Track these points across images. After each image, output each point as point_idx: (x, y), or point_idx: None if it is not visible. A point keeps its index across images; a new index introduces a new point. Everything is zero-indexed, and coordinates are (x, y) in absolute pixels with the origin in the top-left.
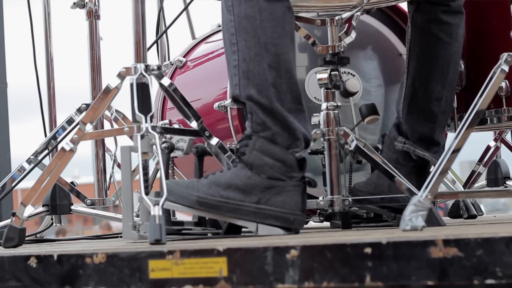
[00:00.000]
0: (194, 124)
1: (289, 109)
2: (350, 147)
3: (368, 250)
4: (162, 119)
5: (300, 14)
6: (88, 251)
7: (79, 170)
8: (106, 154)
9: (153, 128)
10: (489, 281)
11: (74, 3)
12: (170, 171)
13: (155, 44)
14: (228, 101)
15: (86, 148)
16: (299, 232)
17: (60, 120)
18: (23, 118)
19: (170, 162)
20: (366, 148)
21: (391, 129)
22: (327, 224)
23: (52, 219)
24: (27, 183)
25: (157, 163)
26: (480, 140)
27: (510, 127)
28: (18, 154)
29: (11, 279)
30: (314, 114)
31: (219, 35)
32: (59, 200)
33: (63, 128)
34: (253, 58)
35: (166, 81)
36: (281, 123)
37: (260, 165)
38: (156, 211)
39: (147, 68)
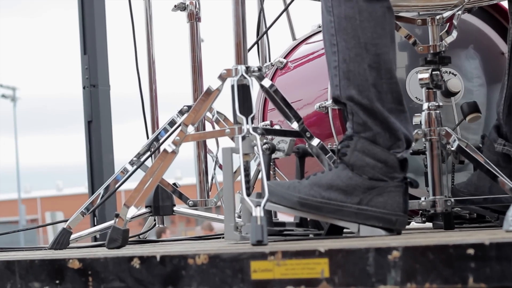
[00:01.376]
0: (295, 125)
1: (390, 110)
2: (452, 147)
3: (471, 251)
4: (263, 120)
5: (401, 14)
6: (190, 252)
7: (182, 172)
8: (208, 156)
9: (254, 129)
10: None
11: (175, 6)
12: (271, 172)
13: (256, 46)
14: (329, 101)
15: (188, 150)
16: (401, 233)
17: (162, 121)
18: (126, 120)
19: (271, 163)
20: (469, 148)
21: (491, 130)
22: (429, 225)
23: (154, 220)
24: (130, 184)
25: (259, 164)
26: None
27: None
28: (121, 155)
29: (115, 280)
30: (416, 114)
31: (320, 36)
32: (161, 201)
33: (165, 130)
34: (353, 59)
35: (267, 82)
36: (382, 123)
37: (362, 166)
38: (258, 212)
39: (248, 69)
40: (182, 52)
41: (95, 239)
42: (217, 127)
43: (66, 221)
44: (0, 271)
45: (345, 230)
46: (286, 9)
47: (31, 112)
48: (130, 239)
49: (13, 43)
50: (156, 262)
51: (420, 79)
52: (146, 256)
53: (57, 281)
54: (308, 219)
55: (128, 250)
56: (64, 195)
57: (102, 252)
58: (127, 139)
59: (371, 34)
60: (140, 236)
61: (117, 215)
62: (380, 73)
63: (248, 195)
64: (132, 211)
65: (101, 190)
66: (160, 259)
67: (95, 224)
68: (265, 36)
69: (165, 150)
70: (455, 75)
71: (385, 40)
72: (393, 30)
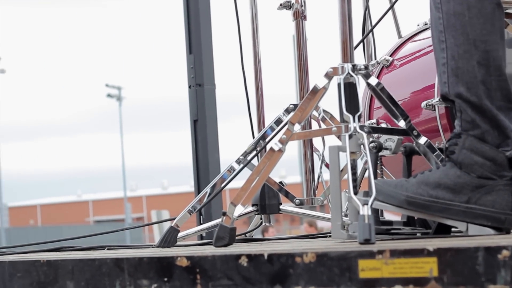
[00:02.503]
0: (402, 123)
1: (499, 107)
2: None
3: None
4: (369, 119)
5: (508, 11)
6: (298, 250)
7: (286, 170)
8: (314, 154)
9: (361, 127)
10: None
11: (281, 4)
12: (378, 171)
13: (361, 44)
14: (436, 99)
15: (293, 149)
16: (510, 232)
17: (268, 120)
18: (231, 119)
19: (378, 162)
20: None
21: None
22: None
23: (261, 218)
24: (235, 183)
25: (365, 162)
26: None
27: None
28: (226, 154)
29: (223, 278)
30: None
31: (426, 33)
32: (268, 199)
33: (271, 129)
34: (462, 56)
35: (373, 80)
36: (491, 121)
37: (470, 164)
38: (365, 210)
39: (354, 67)
40: (287, 50)
41: (201, 237)
42: (323, 126)
43: (172, 219)
44: (109, 269)
45: (453, 229)
46: (392, 7)
47: (136, 111)
48: (236, 237)
49: (119, 43)
50: (264, 260)
51: None
52: (253, 254)
53: (165, 279)
54: (416, 218)
55: (235, 248)
56: (169, 193)
57: (210, 250)
58: (233, 137)
59: (480, 31)
60: (247, 235)
61: (224, 214)
62: (489, 70)
63: (355, 193)
64: (239, 210)
65: (207, 189)
66: (268, 257)
67: (201, 222)
68: (370, 34)
69: (271, 149)
70: None
71: (494, 36)
72: (503, 27)
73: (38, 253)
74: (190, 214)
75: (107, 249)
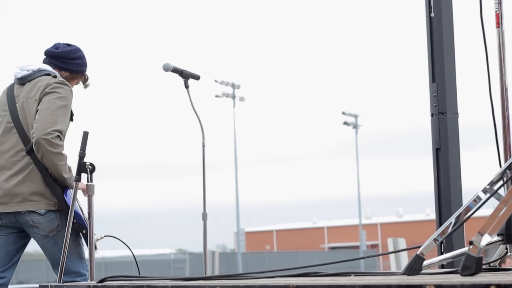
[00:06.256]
0: None
1: None
2: None
3: None
4: None
5: None
6: None
7: None
8: None
9: None
10: None
11: None
12: None
13: None
14: None
15: None
16: None
17: None
18: (472, 147)
19: None
20: None
21: None
22: None
23: (506, 248)
24: (477, 212)
25: None
26: None
27: None
28: (468, 183)
29: None
30: None
31: None
32: None
33: None
34: None
35: None
36: None
37: None
38: None
39: None
40: None
41: (442, 266)
42: None
43: (413, 248)
44: None
45: None
46: None
47: (372, 138)
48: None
49: (357, 71)
50: None
51: None
52: (503, 284)
53: None
54: None
55: (482, 278)
56: (404, 221)
57: (457, 279)
58: (474, 166)
59: None
60: (491, 264)
61: (471, 243)
62: None
63: None
64: (486, 239)
65: (452, 219)
66: None
67: (443, 251)
68: None
69: None
70: None
71: None
72: None
73: (285, 278)
74: (435, 243)
75: (354, 275)
